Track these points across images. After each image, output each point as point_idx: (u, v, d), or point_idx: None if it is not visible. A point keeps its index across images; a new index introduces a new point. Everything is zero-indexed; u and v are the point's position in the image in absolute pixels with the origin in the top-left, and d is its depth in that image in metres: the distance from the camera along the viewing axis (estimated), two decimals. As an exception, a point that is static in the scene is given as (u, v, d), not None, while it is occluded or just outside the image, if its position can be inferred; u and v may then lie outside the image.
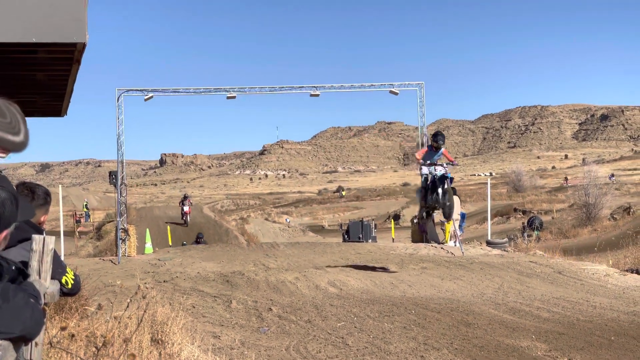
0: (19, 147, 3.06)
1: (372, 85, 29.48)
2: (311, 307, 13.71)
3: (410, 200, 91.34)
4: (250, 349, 10.06)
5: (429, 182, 20.47)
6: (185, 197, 46.10)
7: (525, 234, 43.89)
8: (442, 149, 20.67)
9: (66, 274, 4.63)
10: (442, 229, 30.67)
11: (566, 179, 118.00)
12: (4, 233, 3.10)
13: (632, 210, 56.20)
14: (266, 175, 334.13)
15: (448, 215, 20.96)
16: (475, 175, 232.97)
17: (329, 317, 12.63)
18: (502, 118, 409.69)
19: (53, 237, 3.92)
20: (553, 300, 14.88)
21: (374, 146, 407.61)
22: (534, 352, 9.98)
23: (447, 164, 20.57)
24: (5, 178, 3.12)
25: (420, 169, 20.87)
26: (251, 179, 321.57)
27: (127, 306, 8.06)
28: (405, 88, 29.16)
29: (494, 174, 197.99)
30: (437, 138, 20.71)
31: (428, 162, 20.54)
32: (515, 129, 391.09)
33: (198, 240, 40.15)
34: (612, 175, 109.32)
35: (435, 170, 20.24)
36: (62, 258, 5.37)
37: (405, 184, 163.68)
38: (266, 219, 74.59)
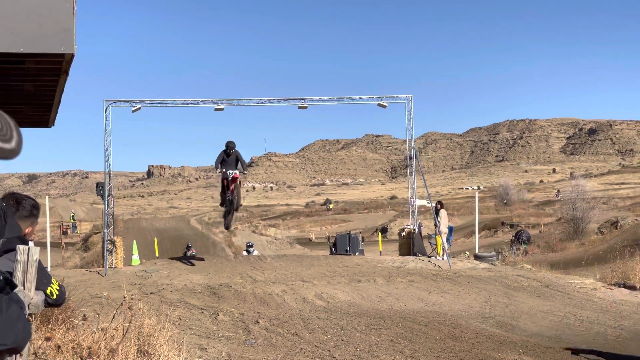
0: (10, 154, 3.01)
1: (360, 98, 29.51)
2: (298, 319, 13.67)
3: (398, 213, 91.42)
4: (237, 362, 10.02)
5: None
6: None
7: (514, 248, 43.94)
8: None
9: (51, 285, 4.60)
10: (429, 242, 30.71)
11: (558, 191, 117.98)
12: None
13: (619, 224, 56.35)
14: (254, 188, 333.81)
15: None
16: (463, 188, 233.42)
17: (316, 330, 12.60)
18: (490, 132, 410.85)
19: (37, 248, 3.91)
20: (540, 314, 14.90)
21: (362, 159, 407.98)
22: (521, 365, 9.98)
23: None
24: None
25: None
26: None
27: (114, 317, 8.03)
28: (393, 101, 29.17)
29: (481, 187, 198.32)
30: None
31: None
32: (504, 143, 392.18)
33: (188, 249, 40.06)
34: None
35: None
36: (49, 269, 5.33)
37: (393, 197, 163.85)
38: (253, 232, 74.49)
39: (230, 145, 23.80)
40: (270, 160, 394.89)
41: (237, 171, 23.62)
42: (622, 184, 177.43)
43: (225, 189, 24.06)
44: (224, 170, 23.68)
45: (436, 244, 28.80)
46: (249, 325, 12.92)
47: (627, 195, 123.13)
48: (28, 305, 3.74)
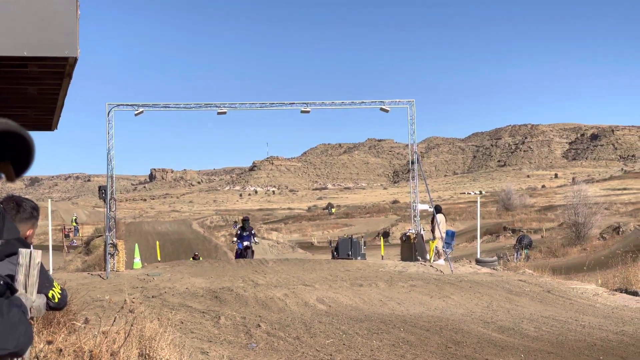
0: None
1: (362, 102, 29.54)
2: (300, 323, 13.67)
3: (400, 217, 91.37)
4: (238, 366, 10.02)
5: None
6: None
7: (518, 253, 43.93)
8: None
9: (53, 288, 4.59)
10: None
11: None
12: None
13: (621, 229, 56.40)
14: (256, 192, 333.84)
15: None
16: (465, 193, 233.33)
17: (318, 334, 12.60)
18: (493, 136, 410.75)
19: (39, 251, 3.91)
20: (542, 319, 14.88)
21: (364, 163, 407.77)
22: (522, 370, 9.97)
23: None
24: None
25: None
26: (241, 195, 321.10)
27: (115, 321, 8.03)
28: (395, 105, 29.19)
29: (483, 192, 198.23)
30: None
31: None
32: (506, 148, 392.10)
33: (195, 258, 40.01)
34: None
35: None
36: (51, 272, 5.34)
37: (395, 202, 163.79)
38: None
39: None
40: (272, 164, 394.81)
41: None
42: (624, 189, 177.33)
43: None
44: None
45: (429, 249, 28.75)
46: (250, 329, 12.92)
47: (629, 200, 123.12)
48: (30, 309, 3.74)
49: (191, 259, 39.51)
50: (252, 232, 30.39)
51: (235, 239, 30.59)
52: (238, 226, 31.92)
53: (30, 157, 2.33)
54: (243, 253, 29.82)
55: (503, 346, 11.74)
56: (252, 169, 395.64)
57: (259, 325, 13.17)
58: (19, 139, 2.26)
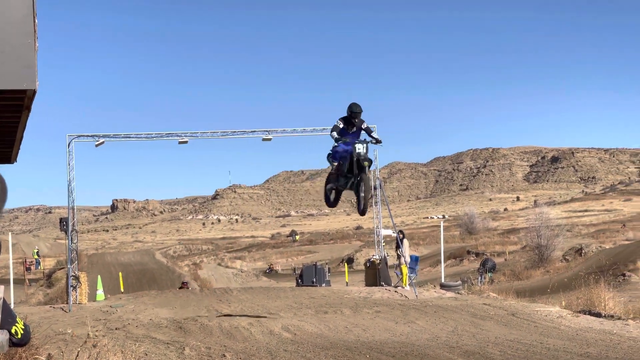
0: None
1: (324, 129, 29.63)
2: (265, 352, 13.62)
3: (364, 243, 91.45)
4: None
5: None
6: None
7: (482, 276, 44.13)
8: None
9: (16, 324, 4.55)
10: (395, 272, 30.77)
11: (624, 225, 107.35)
12: None
13: (583, 251, 56.89)
14: (219, 220, 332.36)
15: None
16: (428, 218, 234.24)
17: (283, 362, 12.55)
18: (454, 161, 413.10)
19: (2, 287, 3.88)
20: (507, 343, 14.96)
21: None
22: (488, 394, 10.00)
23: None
24: None
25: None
26: (204, 224, 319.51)
27: (77, 355, 7.97)
28: (357, 132, 29.29)
29: (446, 216, 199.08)
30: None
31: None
32: (467, 172, 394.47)
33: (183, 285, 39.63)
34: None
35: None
36: (12, 306, 5.30)
37: (358, 227, 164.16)
38: (219, 264, 74.24)
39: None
40: (235, 192, 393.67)
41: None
42: (586, 211, 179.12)
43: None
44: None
45: (402, 274, 28.88)
46: (215, 359, 12.84)
47: (590, 222, 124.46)
48: (-8, 346, 3.70)
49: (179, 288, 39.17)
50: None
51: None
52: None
53: (3, 195, 2.33)
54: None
55: (468, 370, 11.78)
56: (214, 197, 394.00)
57: (224, 355, 13.10)
58: None
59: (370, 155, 15.12)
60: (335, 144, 15.54)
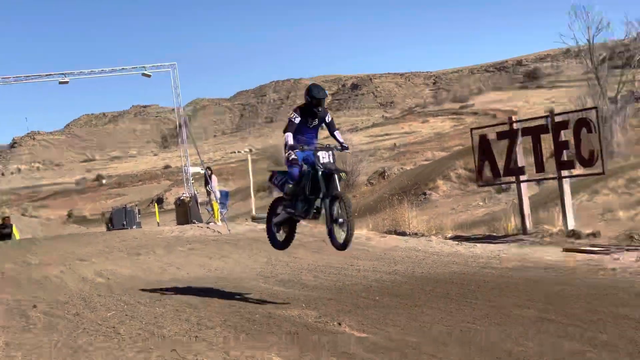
0: None
1: (123, 68, 29.06)
2: (79, 299, 13.34)
3: (173, 182, 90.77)
4: (17, 349, 9.64)
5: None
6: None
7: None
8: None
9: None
10: (206, 208, 30.80)
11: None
12: None
13: (386, 174, 58.84)
14: (19, 170, 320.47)
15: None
16: (235, 152, 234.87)
17: (98, 307, 12.34)
18: (257, 94, 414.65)
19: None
20: (320, 268, 15.35)
21: (132, 131, 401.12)
22: (304, 319, 10.23)
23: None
24: None
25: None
26: (3, 174, 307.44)
27: None
28: (157, 70, 28.94)
29: (253, 149, 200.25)
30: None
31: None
32: (271, 104, 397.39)
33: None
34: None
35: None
36: None
37: (166, 167, 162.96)
38: (23, 214, 71.82)
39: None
40: (34, 139, 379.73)
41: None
42: (386, 135, 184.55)
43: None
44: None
45: (213, 210, 28.94)
46: (26, 311, 12.45)
47: (392, 145, 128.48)
48: None
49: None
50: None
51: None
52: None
53: None
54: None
55: (285, 298, 12.01)
56: (12, 146, 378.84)
57: (35, 306, 12.72)
58: None
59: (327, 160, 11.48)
60: (290, 152, 11.60)
